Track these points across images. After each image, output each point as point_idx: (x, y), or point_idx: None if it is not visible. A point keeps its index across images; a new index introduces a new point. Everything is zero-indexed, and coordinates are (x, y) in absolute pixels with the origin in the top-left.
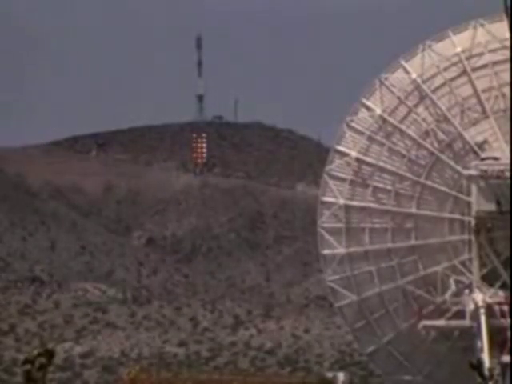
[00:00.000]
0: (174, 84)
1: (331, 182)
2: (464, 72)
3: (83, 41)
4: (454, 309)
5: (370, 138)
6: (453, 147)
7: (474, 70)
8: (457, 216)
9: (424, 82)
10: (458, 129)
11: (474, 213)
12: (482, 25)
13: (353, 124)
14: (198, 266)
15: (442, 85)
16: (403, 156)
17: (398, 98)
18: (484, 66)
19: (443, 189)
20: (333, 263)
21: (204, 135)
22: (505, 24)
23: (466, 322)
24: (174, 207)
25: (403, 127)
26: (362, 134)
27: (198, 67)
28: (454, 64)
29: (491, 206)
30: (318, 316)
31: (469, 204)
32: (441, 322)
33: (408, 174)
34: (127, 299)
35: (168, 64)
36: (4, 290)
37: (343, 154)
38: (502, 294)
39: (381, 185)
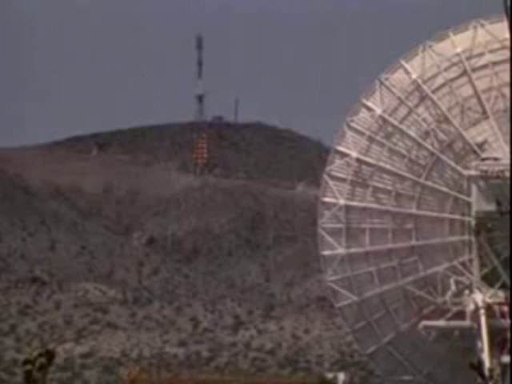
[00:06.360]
0: (174, 84)
1: (331, 183)
2: (464, 72)
3: (83, 41)
4: (455, 309)
5: (371, 139)
6: (453, 147)
7: (475, 70)
8: (457, 216)
9: (424, 82)
10: (459, 129)
11: (474, 213)
12: (482, 25)
13: (353, 124)
14: (199, 267)
15: (443, 85)
16: (403, 156)
17: (399, 98)
18: (484, 67)
19: (443, 189)
20: (333, 264)
21: (204, 135)
22: (505, 24)
23: (466, 323)
24: (175, 207)
25: (403, 127)
26: (363, 134)
27: (198, 67)
28: (455, 64)
29: (491, 207)
30: (319, 316)
31: (469, 204)
32: (441, 323)
33: (408, 175)
34: (127, 299)
35: (168, 64)
36: (4, 290)
37: (343, 155)
38: (501, 295)
39: (381, 185)
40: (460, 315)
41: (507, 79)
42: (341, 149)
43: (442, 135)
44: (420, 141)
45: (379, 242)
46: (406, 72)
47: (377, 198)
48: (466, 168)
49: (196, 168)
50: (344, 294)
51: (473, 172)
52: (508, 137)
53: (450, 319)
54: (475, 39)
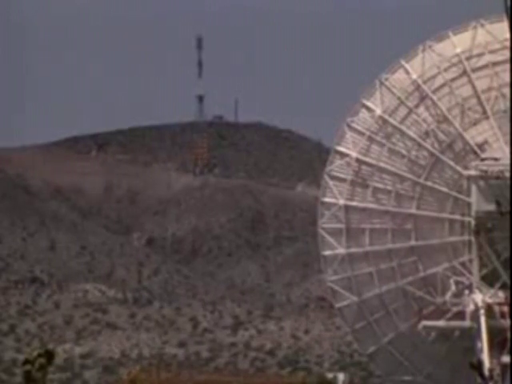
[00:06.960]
0: (174, 84)
1: (331, 183)
2: (464, 72)
3: (83, 40)
4: (455, 309)
5: (371, 139)
6: (453, 148)
7: (474, 70)
8: (457, 217)
9: (424, 82)
10: (459, 129)
11: (473, 213)
12: (482, 25)
13: (353, 124)
14: (198, 267)
15: (443, 85)
16: (403, 156)
17: (399, 98)
18: (484, 67)
19: (443, 189)
20: (333, 264)
21: (204, 135)
22: (505, 24)
23: (466, 323)
24: (174, 207)
25: (403, 128)
26: (363, 134)
27: (198, 67)
28: (455, 64)
29: (491, 207)
30: (318, 317)
31: (469, 204)
32: (441, 323)
33: (408, 175)
34: (127, 300)
35: (168, 64)
36: (4, 290)
37: (343, 155)
38: (501, 295)
39: (381, 185)
40: (460, 315)
41: (507, 79)
42: (341, 149)
43: (441, 135)
44: (420, 141)
45: (379, 243)
46: (406, 72)
47: (377, 198)
48: (465, 168)
49: (196, 168)
50: (344, 294)
51: (473, 172)
52: (508, 137)
53: (450, 319)
54: (475, 39)
